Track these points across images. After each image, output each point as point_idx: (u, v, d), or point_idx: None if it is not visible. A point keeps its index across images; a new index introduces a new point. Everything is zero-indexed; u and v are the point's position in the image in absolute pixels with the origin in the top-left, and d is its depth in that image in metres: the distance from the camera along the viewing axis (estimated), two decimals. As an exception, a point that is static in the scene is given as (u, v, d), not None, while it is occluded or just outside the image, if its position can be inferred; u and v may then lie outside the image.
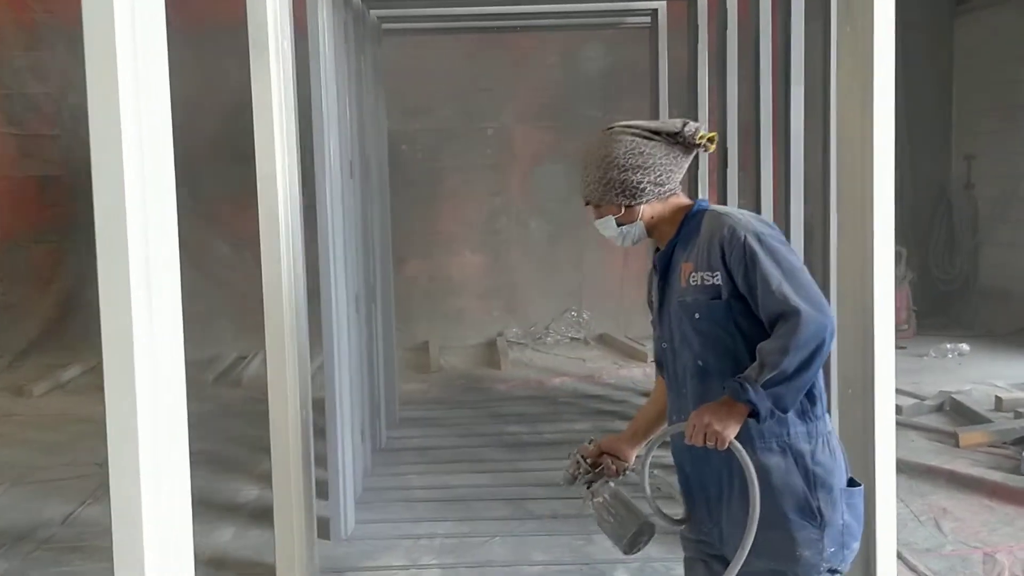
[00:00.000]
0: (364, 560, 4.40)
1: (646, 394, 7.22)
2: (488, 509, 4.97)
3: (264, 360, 4.34)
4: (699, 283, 2.36)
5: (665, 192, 2.47)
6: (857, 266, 2.86)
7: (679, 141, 2.45)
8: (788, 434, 2.32)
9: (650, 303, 2.61)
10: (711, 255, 2.34)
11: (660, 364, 2.57)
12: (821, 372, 2.30)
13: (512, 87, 9.75)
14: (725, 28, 5.38)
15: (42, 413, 7.46)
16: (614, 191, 2.45)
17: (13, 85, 9.32)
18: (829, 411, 2.49)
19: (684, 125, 2.44)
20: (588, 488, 2.62)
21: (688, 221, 2.47)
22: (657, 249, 2.57)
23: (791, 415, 2.30)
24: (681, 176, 2.52)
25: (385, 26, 6.59)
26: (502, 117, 9.85)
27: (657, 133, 2.45)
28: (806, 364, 2.19)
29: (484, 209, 9.91)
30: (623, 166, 2.43)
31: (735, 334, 2.35)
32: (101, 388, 1.82)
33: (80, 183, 9.62)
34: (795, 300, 2.21)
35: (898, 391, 6.95)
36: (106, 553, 4.59)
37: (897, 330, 9.10)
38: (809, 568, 2.31)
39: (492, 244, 9.96)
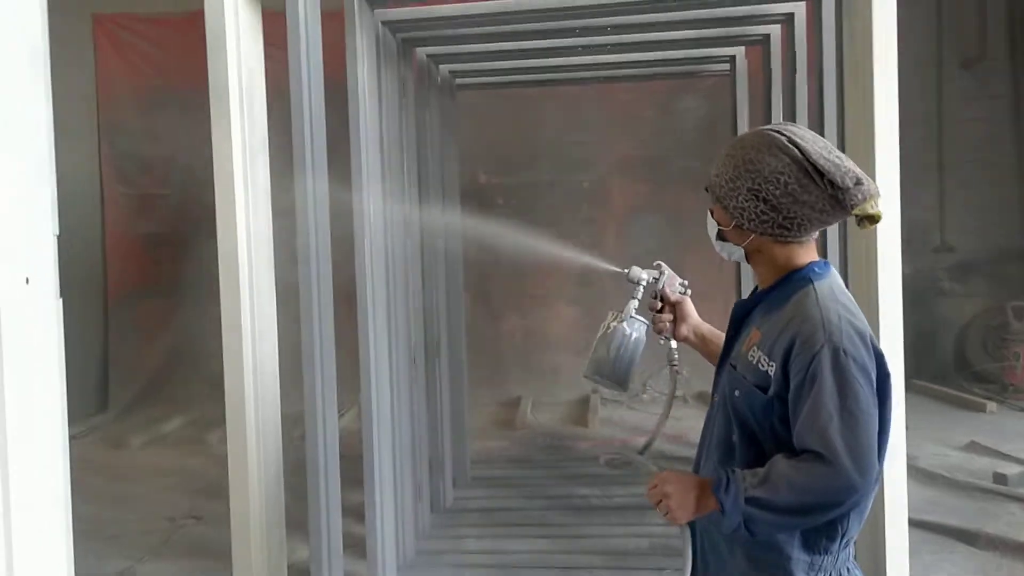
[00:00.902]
0: (395, 628, 4.26)
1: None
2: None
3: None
4: (755, 360, 2.03)
5: (786, 238, 2.05)
6: (863, 299, 2.59)
7: (838, 198, 1.97)
8: (787, 558, 2.00)
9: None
10: (779, 341, 1.98)
11: None
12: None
13: (608, 139, 9.62)
14: (794, 72, 5.13)
15: (135, 465, 7.64)
16: (734, 201, 2.04)
17: (127, 147, 9.77)
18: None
19: (856, 184, 1.97)
20: (630, 309, 2.53)
21: (787, 281, 2.07)
22: (755, 288, 2.21)
23: (796, 540, 2.00)
24: (816, 232, 2.08)
25: (459, 80, 6.57)
26: (597, 169, 9.71)
27: (822, 175, 1.97)
28: (803, 511, 1.90)
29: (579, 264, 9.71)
30: (758, 186, 2.00)
31: (767, 432, 2.02)
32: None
33: (189, 241, 10.04)
34: (837, 447, 1.83)
35: (1008, 457, 6.38)
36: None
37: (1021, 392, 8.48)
38: None
39: (587, 298, 9.76)
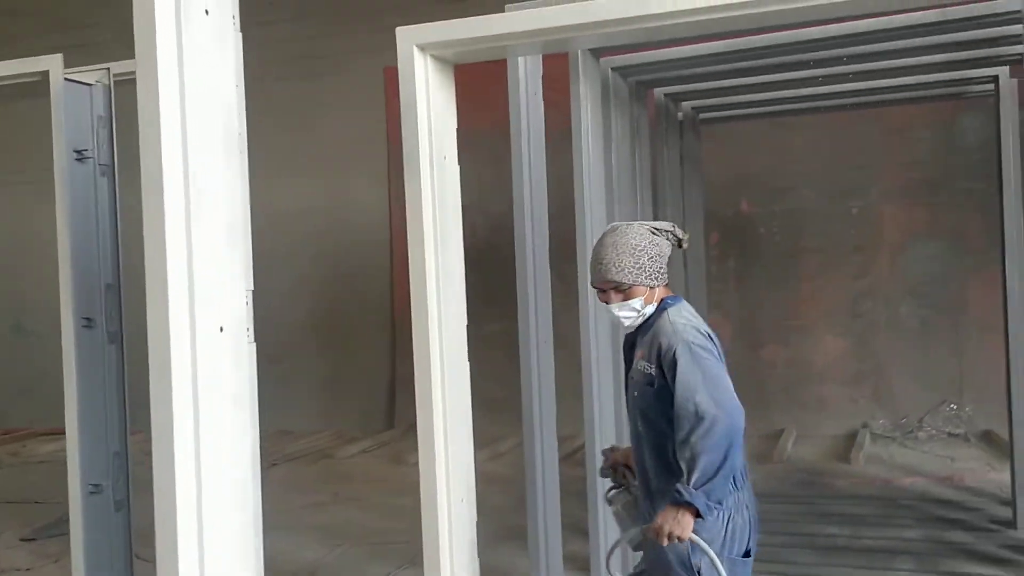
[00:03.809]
0: (613, 652, 4.41)
1: (1008, 502, 6.39)
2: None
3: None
4: (643, 368, 2.89)
5: (663, 281, 2.97)
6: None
7: (669, 239, 2.97)
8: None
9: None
10: (651, 350, 2.87)
11: None
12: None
13: (879, 163, 9.25)
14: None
15: (408, 481, 8.24)
16: (645, 274, 2.89)
17: (412, 187, 10.64)
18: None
19: (673, 227, 2.99)
20: (610, 491, 3.12)
21: (655, 313, 2.92)
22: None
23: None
24: None
25: (703, 116, 6.66)
26: (868, 195, 9.35)
27: (659, 231, 2.95)
28: (724, 459, 2.66)
29: (847, 292, 9.40)
30: (651, 254, 2.90)
31: (661, 416, 2.84)
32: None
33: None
34: (705, 405, 2.66)
35: None
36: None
37: None
38: None
39: (856, 329, 9.40)
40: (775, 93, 6.23)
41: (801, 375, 9.43)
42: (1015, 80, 5.93)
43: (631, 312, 2.92)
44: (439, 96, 2.84)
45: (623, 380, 3.15)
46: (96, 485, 3.88)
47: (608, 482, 3.22)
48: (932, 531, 6.01)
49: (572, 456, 8.90)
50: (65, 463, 3.98)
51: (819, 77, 5.68)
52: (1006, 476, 7.18)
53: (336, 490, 8.01)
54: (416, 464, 9.09)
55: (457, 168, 2.96)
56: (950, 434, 8.94)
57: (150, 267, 1.98)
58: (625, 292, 2.90)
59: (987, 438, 8.74)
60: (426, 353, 2.86)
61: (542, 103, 4.31)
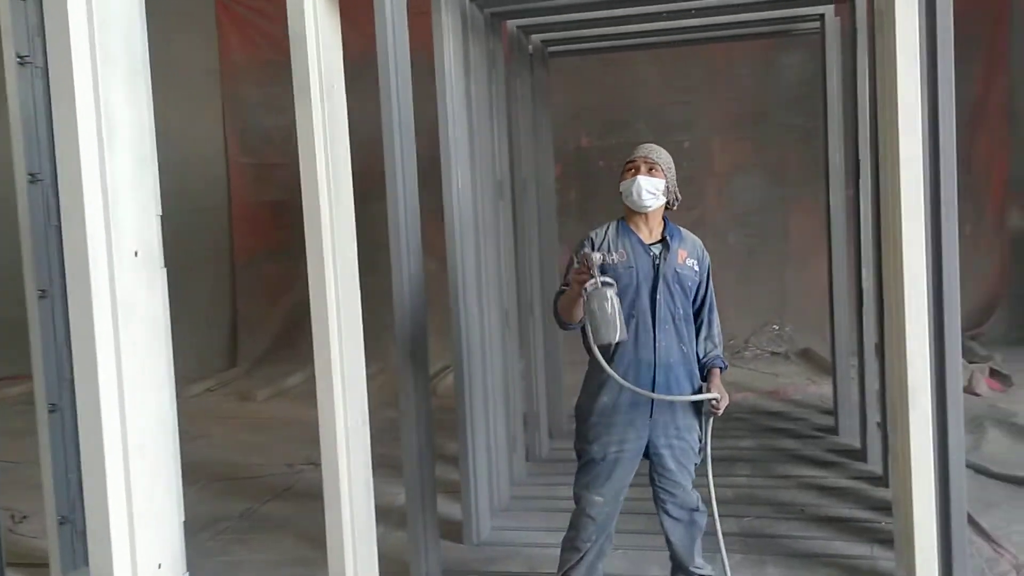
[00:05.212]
0: (486, 565, 4.62)
1: (829, 411, 6.98)
2: (622, 522, 5.01)
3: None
4: (691, 265, 3.66)
5: (669, 207, 3.80)
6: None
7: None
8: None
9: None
10: (695, 252, 3.70)
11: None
12: None
13: (707, 98, 9.68)
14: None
15: (260, 417, 8.25)
16: (672, 175, 3.76)
17: (249, 119, 10.35)
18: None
19: None
20: (603, 282, 3.23)
21: (672, 228, 3.74)
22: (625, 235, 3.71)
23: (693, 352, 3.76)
24: None
25: (551, 49, 6.80)
26: (697, 129, 9.79)
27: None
28: None
29: (680, 222, 9.83)
30: (674, 174, 3.81)
31: (690, 303, 3.67)
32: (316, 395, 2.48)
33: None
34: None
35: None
36: (264, 545, 5.11)
37: None
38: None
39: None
40: (618, 28, 6.42)
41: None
42: (839, 18, 6.36)
43: (654, 189, 3.60)
44: (327, 27, 2.85)
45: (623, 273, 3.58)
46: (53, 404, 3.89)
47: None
48: (764, 440, 6.51)
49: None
50: None
51: (664, 13, 5.90)
52: (825, 389, 7.83)
53: (185, 429, 7.84)
54: (265, 401, 8.98)
55: (345, 98, 2.98)
56: (773, 353, 9.61)
57: (65, 192, 1.95)
58: (652, 172, 3.60)
59: (805, 355, 9.45)
60: (320, 276, 2.91)
61: (407, 32, 4.33)
